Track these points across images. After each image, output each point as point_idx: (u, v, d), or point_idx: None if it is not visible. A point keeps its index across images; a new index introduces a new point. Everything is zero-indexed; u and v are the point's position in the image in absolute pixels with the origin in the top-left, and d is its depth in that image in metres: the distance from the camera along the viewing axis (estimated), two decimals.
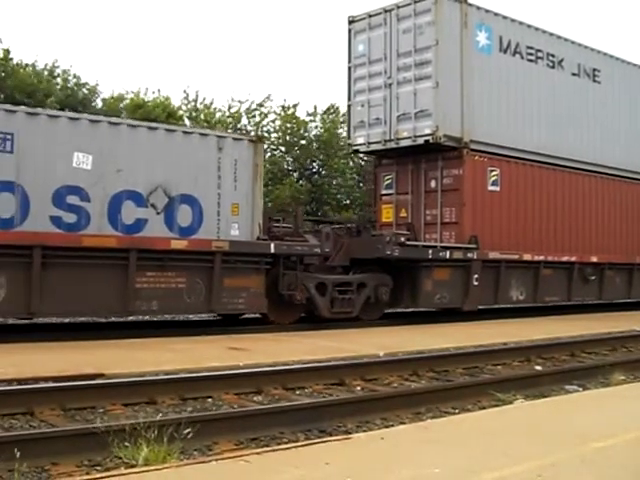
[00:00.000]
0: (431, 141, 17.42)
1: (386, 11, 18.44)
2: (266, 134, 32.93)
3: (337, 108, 35.26)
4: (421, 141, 17.61)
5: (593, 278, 20.47)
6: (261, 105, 33.86)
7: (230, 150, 14.45)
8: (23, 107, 13.40)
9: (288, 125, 33.73)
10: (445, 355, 11.29)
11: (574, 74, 20.60)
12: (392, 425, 7.02)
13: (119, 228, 13.23)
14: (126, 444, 5.52)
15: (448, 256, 17.22)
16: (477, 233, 17.82)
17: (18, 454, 5.02)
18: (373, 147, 18.78)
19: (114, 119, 14.05)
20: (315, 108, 34.88)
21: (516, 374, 10.10)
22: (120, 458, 5.53)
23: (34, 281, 12.22)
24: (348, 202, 34.46)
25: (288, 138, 33.58)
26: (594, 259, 20.47)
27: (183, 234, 13.83)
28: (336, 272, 16.40)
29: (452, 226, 18.00)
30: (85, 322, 14.91)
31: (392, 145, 18.26)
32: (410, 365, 10.31)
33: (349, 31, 19.22)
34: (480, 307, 18.40)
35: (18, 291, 12.20)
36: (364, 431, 6.82)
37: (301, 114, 34.64)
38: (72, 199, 12.84)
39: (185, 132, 14.46)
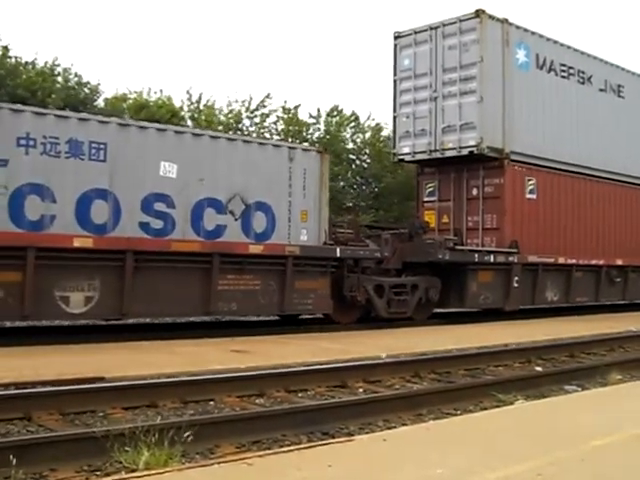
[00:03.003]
0: (475, 152, 17.42)
1: (432, 28, 18.36)
2: (267, 135, 32.03)
3: (341, 110, 34.20)
4: (466, 152, 17.59)
5: (618, 280, 20.59)
6: (263, 106, 32.25)
7: (300, 160, 14.39)
8: (114, 118, 13.22)
9: (290, 128, 32.81)
10: (447, 357, 10.88)
11: (601, 90, 20.67)
12: (394, 426, 6.75)
13: (201, 234, 13.12)
14: (126, 448, 5.21)
15: (492, 260, 17.25)
16: (516, 238, 17.79)
17: (14, 461, 4.69)
18: (418, 157, 18.71)
19: (197, 130, 13.91)
20: (318, 111, 33.61)
21: (517, 375, 9.81)
22: (120, 462, 5.21)
23: (127, 284, 12.09)
24: (350, 205, 33.58)
25: (290, 140, 32.44)
26: (619, 262, 20.57)
27: (258, 239, 13.73)
28: (390, 275, 16.31)
29: (493, 231, 18.00)
30: (85, 325, 14.19)
31: (437, 155, 18.20)
32: (412, 367, 9.91)
33: (395, 46, 19.09)
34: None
35: (111, 294, 12.09)
36: (366, 433, 6.52)
37: (303, 116, 33.32)
38: (159, 206, 12.71)
39: (260, 143, 14.46)
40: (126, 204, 12.33)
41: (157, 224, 12.66)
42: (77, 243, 11.64)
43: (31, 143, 11.50)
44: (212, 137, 13.63)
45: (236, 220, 13.52)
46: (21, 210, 11.36)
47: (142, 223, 12.50)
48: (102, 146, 12.15)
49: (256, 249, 13.53)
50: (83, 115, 12.71)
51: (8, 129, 11.34)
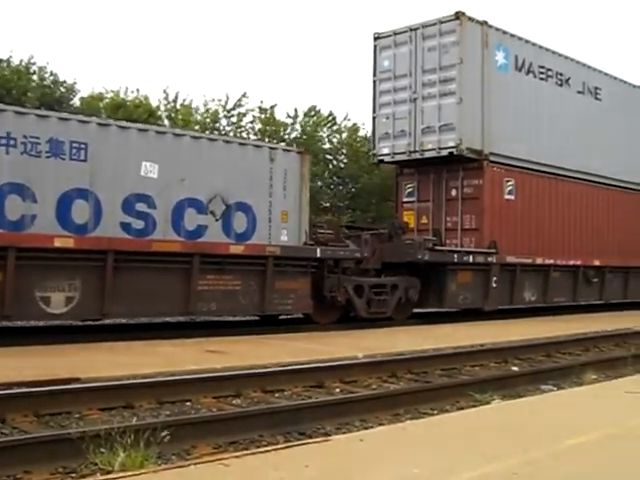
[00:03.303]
0: (455, 153, 17.62)
1: (412, 30, 18.53)
2: (244, 134, 31.72)
3: (318, 110, 34.11)
4: (445, 153, 17.79)
5: (595, 280, 20.89)
6: (240, 105, 32.06)
7: (280, 161, 14.46)
8: (95, 118, 13.23)
9: (267, 128, 32.46)
10: (424, 357, 10.83)
11: (579, 92, 20.99)
12: (371, 427, 6.73)
13: (182, 234, 13.14)
14: (102, 450, 5.15)
15: (471, 260, 17.45)
16: (495, 238, 18.03)
17: None
18: (398, 157, 18.87)
19: (178, 131, 13.94)
20: (296, 111, 33.58)
21: (493, 375, 9.83)
22: (96, 464, 5.14)
23: (108, 284, 12.11)
24: (328, 205, 33.47)
25: (267, 140, 32.11)
26: (596, 262, 20.88)
27: (239, 240, 13.80)
28: (370, 275, 16.45)
29: (472, 232, 18.20)
30: (62, 325, 13.73)
31: (417, 156, 18.38)
32: (389, 367, 9.88)
33: (374, 47, 19.24)
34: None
35: (91, 294, 12.09)
36: (343, 433, 6.50)
37: (280, 115, 33.31)
38: (140, 206, 12.72)
39: (241, 144, 14.51)
40: (107, 204, 12.32)
41: (138, 224, 12.66)
42: (58, 243, 11.64)
43: (11, 142, 11.46)
44: (193, 137, 13.66)
45: (217, 220, 13.55)
46: (1, 210, 11.32)
47: (123, 223, 12.50)
48: (83, 146, 12.13)
49: (237, 249, 13.60)
50: (64, 115, 12.71)
51: None
